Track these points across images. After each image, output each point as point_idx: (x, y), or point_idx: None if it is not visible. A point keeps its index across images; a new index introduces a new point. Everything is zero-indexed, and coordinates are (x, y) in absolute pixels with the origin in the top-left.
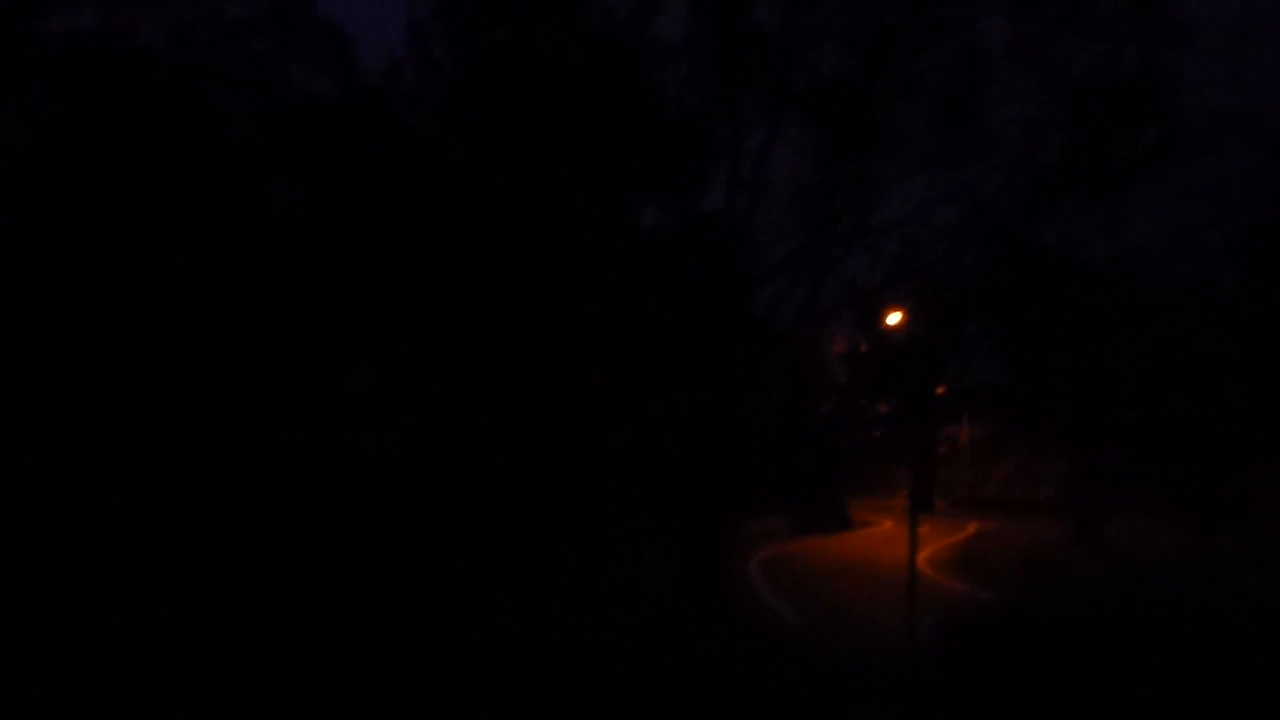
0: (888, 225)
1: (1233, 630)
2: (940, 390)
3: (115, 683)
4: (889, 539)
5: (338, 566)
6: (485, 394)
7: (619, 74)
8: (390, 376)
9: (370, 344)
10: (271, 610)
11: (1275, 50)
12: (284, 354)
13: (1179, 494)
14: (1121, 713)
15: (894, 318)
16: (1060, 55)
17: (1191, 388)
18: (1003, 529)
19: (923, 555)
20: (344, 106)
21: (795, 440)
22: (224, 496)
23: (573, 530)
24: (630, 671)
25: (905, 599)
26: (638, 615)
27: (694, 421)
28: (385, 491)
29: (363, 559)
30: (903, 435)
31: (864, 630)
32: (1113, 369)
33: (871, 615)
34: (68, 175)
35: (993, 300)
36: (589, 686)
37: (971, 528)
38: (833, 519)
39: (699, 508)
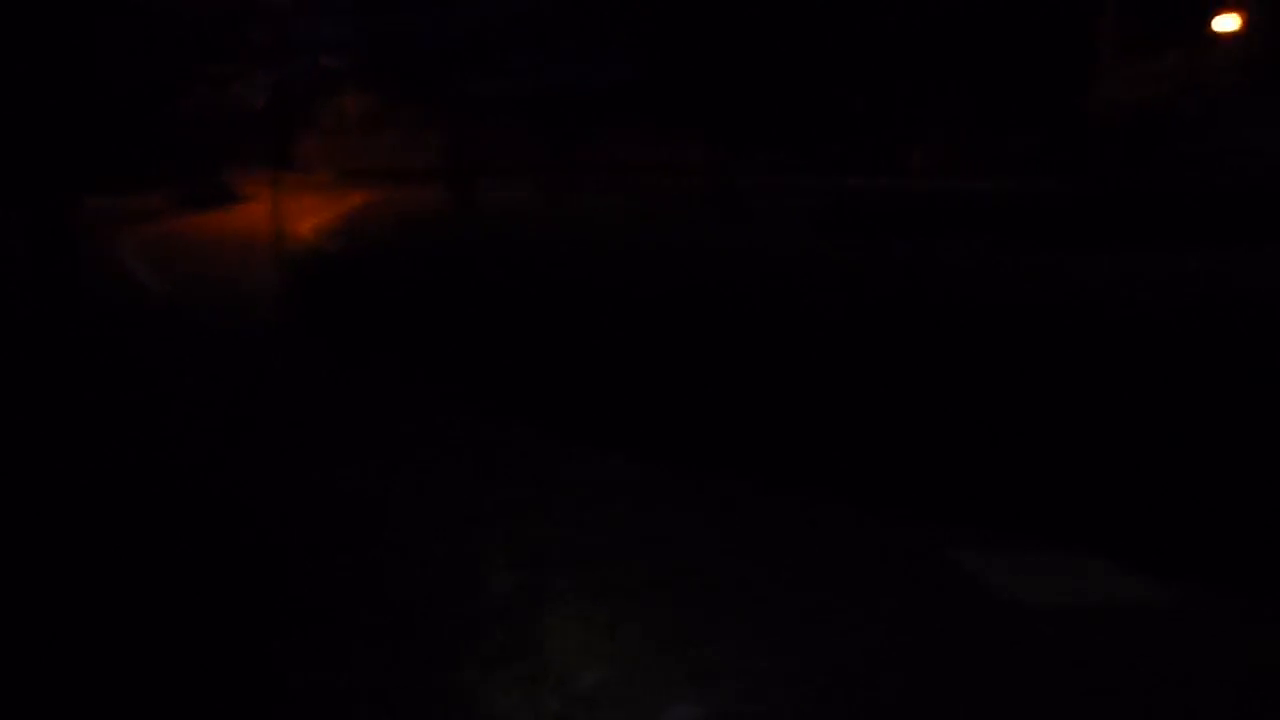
0: None
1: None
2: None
3: None
4: (277, 213)
5: None
6: None
7: None
8: None
9: None
10: None
11: None
12: None
13: (543, 159)
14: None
15: None
16: None
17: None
18: (388, 197)
19: (308, 225)
20: None
21: (140, 104)
22: None
23: None
24: None
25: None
26: None
27: (25, 86)
28: None
29: None
30: (285, 105)
31: (241, 295)
32: (476, 32)
33: (250, 281)
34: None
35: None
36: None
37: (358, 198)
38: (216, 194)
39: (42, 181)
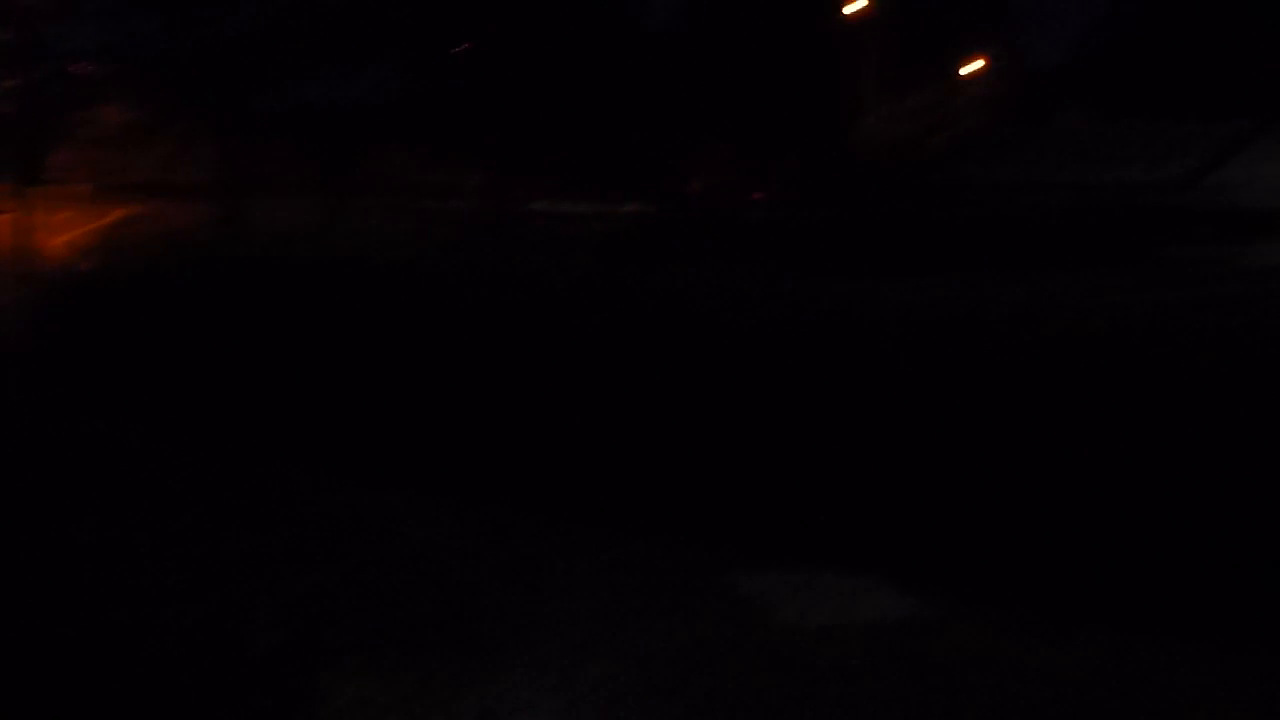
0: None
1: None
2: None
3: None
4: (26, 227)
5: None
6: None
7: None
8: None
9: None
10: None
11: None
12: None
13: (319, 176)
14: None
15: None
16: None
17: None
18: (153, 213)
19: (62, 240)
20: None
21: None
22: None
23: None
24: None
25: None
26: None
27: None
28: None
29: None
30: (35, 112)
31: None
32: (246, 42)
33: None
34: None
35: None
36: None
37: (119, 212)
38: None
39: None
